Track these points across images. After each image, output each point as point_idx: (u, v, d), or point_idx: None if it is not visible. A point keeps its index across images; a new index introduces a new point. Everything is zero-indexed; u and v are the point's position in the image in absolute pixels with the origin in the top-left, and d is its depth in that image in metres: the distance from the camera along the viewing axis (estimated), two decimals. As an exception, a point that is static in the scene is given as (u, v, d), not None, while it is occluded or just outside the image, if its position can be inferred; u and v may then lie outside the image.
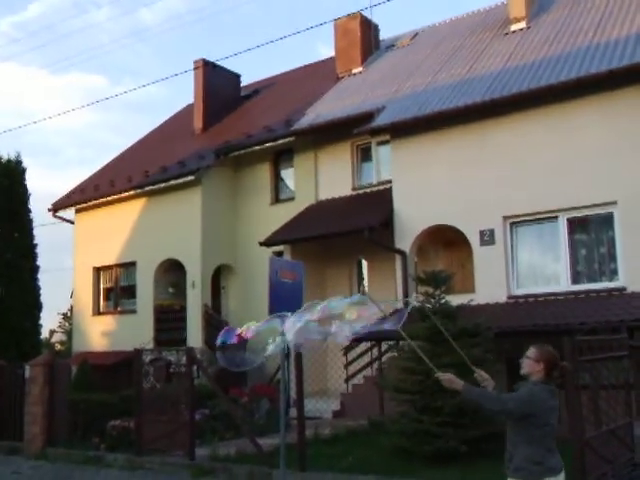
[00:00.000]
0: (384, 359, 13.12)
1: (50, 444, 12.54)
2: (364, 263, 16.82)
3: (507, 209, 13.10)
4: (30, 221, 16.55)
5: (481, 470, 8.61)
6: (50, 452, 12.33)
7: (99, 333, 20.19)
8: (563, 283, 12.60)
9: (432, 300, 10.47)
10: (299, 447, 9.50)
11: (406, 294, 13.82)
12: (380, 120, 14.95)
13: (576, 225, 12.74)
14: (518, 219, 13.16)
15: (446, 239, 14.73)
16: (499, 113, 13.31)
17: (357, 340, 13.70)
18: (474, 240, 13.41)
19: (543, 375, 4.70)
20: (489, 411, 4.80)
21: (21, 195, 16.46)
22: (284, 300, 8.14)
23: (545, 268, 13.16)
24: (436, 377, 4.84)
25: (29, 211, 16.61)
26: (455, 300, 10.88)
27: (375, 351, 13.82)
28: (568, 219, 12.67)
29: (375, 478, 8.73)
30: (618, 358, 8.50)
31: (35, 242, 16.58)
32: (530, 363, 4.75)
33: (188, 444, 10.62)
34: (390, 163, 15.15)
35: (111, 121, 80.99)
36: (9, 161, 16.43)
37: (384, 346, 13.36)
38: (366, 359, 14.30)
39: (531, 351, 4.80)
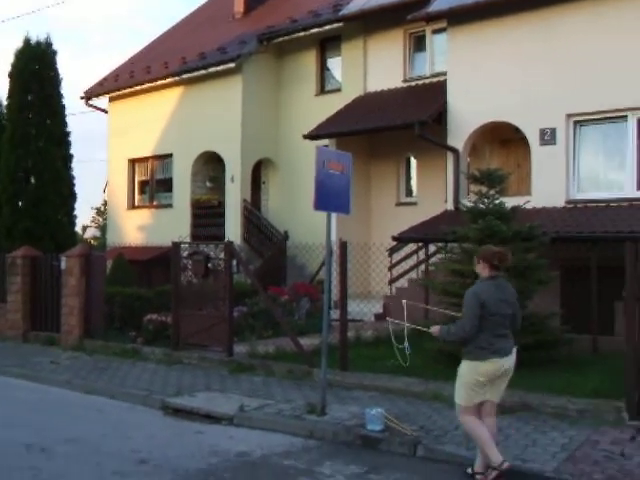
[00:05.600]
0: (431, 261, 12.55)
1: (87, 336, 12.49)
2: (413, 161, 16.16)
3: (572, 106, 12.14)
4: (63, 107, 15.79)
5: (528, 377, 8.16)
6: (87, 344, 12.29)
7: (134, 228, 19.98)
8: (628, 189, 11.78)
9: (485, 200, 10.05)
10: (341, 347, 9.35)
11: (457, 194, 13.15)
12: (437, 5, 13.83)
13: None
14: (583, 118, 12.22)
15: (502, 137, 13.98)
16: (569, -1, 12.06)
17: (403, 241, 13.22)
18: (533, 139, 12.57)
19: (488, 272, 5.44)
20: (460, 340, 5.45)
21: (52, 79, 15.68)
22: (330, 193, 7.60)
23: (609, 172, 12.35)
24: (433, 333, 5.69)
25: (61, 96, 15.85)
26: (510, 202, 10.39)
27: (421, 253, 13.26)
28: (638, 119, 11.67)
29: (417, 380, 8.61)
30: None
31: (68, 130, 15.94)
32: (476, 266, 5.54)
33: (226, 340, 10.45)
34: (446, 53, 14.17)
35: (145, 7, 78.96)
36: (39, 44, 15.58)
37: (432, 248, 12.78)
38: (411, 262, 13.79)
39: (475, 256, 5.58)
